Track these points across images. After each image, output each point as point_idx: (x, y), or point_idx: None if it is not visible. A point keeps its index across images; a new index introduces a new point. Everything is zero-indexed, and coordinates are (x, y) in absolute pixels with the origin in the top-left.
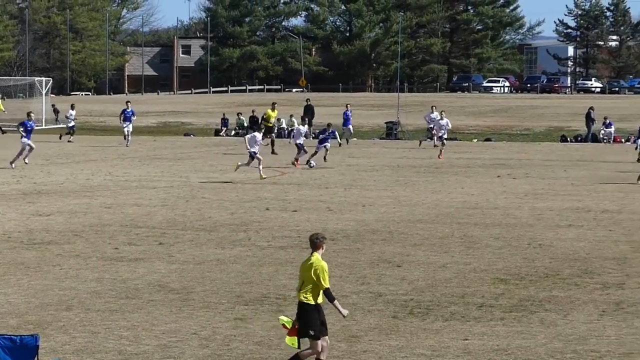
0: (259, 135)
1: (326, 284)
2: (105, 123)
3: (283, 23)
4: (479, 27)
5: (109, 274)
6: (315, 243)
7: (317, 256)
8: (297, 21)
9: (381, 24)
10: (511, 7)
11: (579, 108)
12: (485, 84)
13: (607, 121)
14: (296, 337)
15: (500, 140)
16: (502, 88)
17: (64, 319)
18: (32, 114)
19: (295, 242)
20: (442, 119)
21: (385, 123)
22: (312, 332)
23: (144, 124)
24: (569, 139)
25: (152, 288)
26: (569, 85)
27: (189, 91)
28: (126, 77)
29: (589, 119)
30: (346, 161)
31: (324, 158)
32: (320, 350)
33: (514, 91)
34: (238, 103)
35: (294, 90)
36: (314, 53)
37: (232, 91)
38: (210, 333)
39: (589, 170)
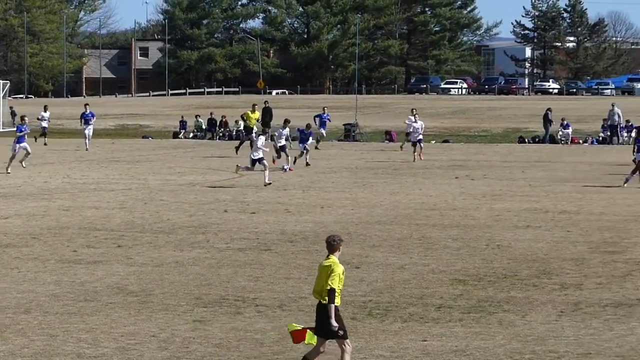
0: (262, 138)
1: (333, 285)
2: (63, 126)
3: (241, 25)
4: (437, 28)
5: (67, 276)
6: (332, 245)
7: (334, 259)
8: (255, 23)
9: (339, 26)
10: (468, 9)
11: (536, 109)
12: (443, 86)
13: (565, 122)
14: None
15: (458, 141)
16: (459, 89)
17: (23, 322)
18: (26, 118)
19: (253, 244)
20: (415, 122)
21: (344, 125)
22: (340, 332)
23: (102, 127)
24: (526, 140)
25: (110, 291)
26: (526, 86)
27: (147, 94)
28: (84, 80)
29: (547, 120)
30: (304, 163)
31: (304, 162)
32: (350, 347)
33: (472, 92)
34: (196, 105)
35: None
36: (271, 55)
37: (190, 93)
38: (169, 335)
39: (547, 171)
